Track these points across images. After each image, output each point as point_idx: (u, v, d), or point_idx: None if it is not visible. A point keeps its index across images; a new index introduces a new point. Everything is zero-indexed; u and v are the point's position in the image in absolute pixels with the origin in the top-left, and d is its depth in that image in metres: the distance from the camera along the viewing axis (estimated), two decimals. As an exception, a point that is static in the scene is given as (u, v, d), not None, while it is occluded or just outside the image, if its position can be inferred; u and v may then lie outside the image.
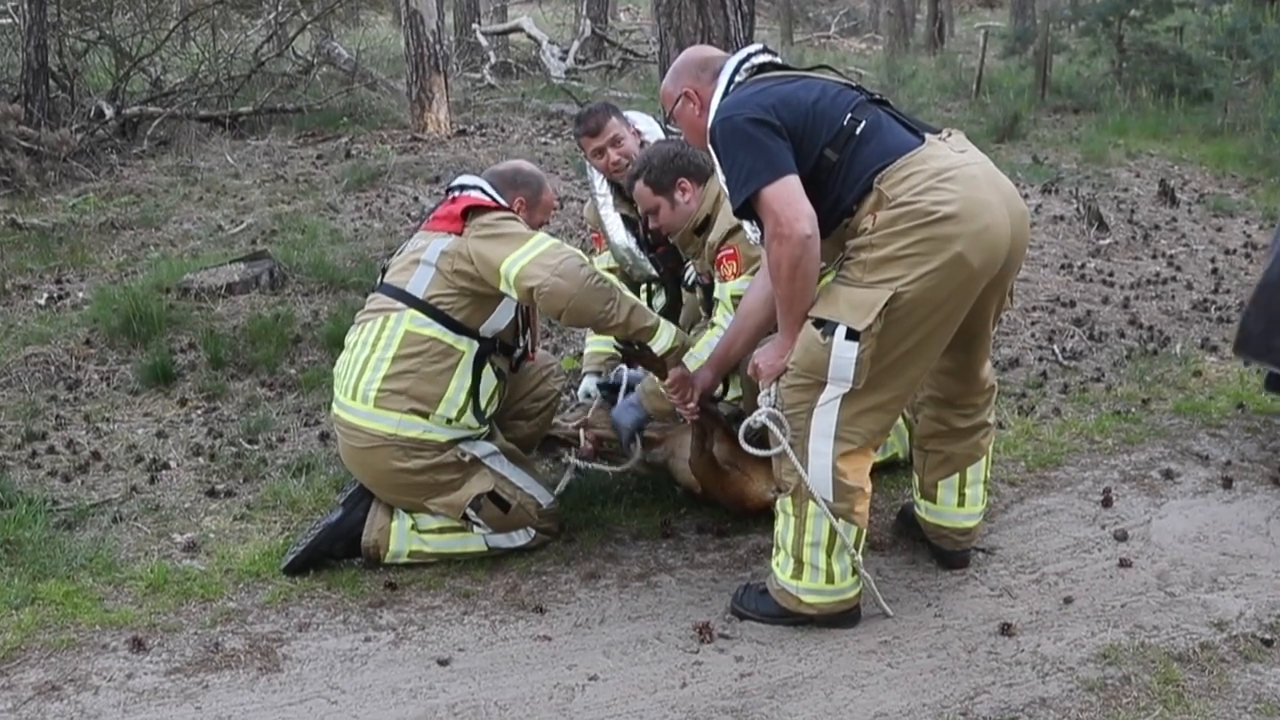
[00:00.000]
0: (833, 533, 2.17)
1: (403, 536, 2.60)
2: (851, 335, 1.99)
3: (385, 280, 2.61)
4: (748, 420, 2.19)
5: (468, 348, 2.52)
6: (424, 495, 2.53)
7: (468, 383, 2.51)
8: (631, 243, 3.10)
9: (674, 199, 2.71)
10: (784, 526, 2.23)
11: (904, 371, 2.06)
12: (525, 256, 2.39)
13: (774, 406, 2.13)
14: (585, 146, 2.98)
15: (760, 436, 2.18)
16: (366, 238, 5.12)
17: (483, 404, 2.57)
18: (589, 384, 3.17)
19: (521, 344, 2.72)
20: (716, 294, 2.73)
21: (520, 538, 2.65)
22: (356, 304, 3.87)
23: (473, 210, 2.51)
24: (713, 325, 2.70)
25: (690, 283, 2.98)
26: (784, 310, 2.09)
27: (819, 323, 2.05)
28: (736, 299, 2.53)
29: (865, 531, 2.24)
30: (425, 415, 2.48)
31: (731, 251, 2.62)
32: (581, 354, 3.45)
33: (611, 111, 2.98)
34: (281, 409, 3.56)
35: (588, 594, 2.52)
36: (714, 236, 2.71)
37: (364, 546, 2.60)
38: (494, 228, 2.47)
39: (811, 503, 2.15)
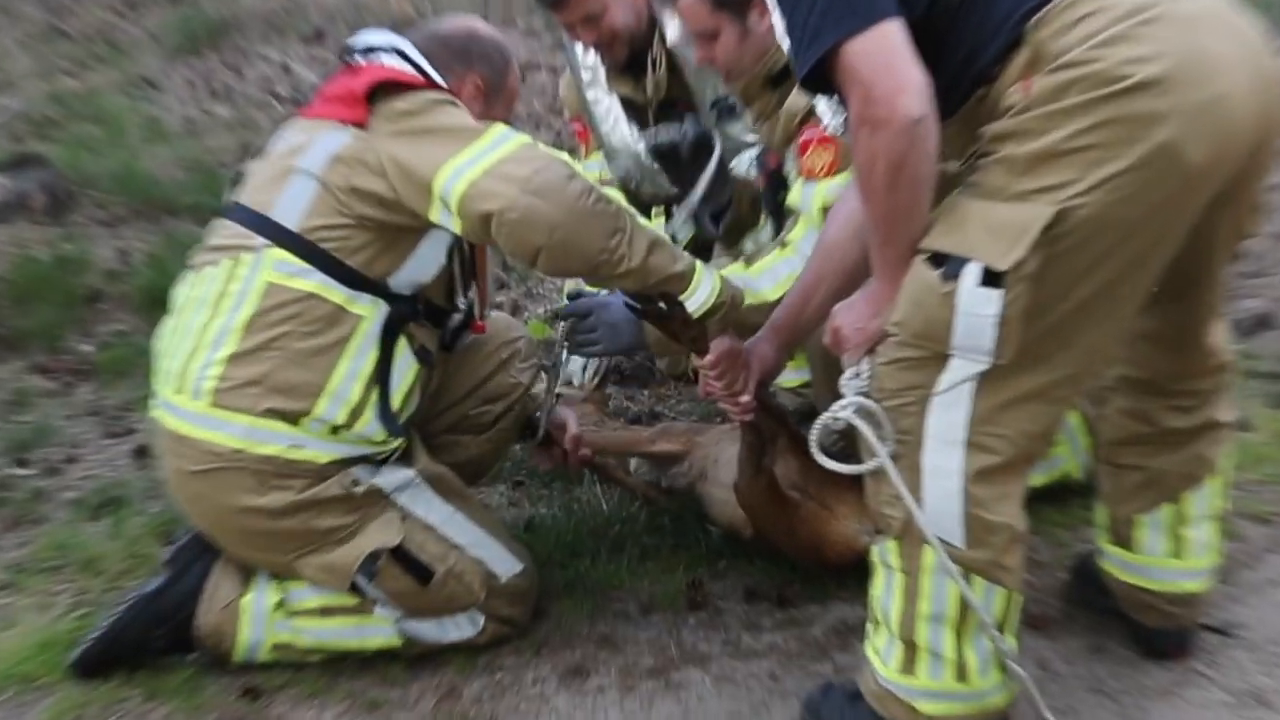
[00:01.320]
0: (964, 601, 2.14)
1: (262, 620, 2.56)
2: (990, 279, 1.96)
3: (238, 201, 2.55)
4: (823, 418, 2.17)
5: (369, 312, 2.46)
6: (292, 551, 2.48)
7: (367, 367, 2.46)
8: (638, 145, 3.18)
9: (745, 19, 2.62)
10: (885, 590, 2.21)
11: (1078, 337, 2.02)
12: (477, 163, 2.33)
13: (866, 395, 2.15)
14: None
15: (845, 444, 2.23)
16: (206, 132, 5.02)
17: (393, 402, 2.51)
18: (577, 360, 3.40)
19: (461, 307, 2.70)
20: (793, 198, 2.74)
21: (460, 628, 2.62)
22: (192, 239, 3.84)
23: (384, 89, 2.43)
24: (783, 247, 2.70)
25: (752, 173, 3.07)
26: (880, 239, 2.08)
27: (937, 259, 2.00)
28: (829, 212, 2.55)
29: (1019, 598, 2.20)
30: (294, 420, 2.41)
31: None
32: (558, 315, 3.62)
33: None
34: (70, 410, 3.55)
35: (570, 703, 2.50)
36: (799, 98, 2.67)
37: (199, 634, 2.56)
38: (421, 117, 2.39)
39: (928, 551, 2.13)
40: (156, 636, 2.56)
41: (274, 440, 2.41)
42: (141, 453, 3.38)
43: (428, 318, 2.60)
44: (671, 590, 2.83)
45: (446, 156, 2.33)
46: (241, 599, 2.56)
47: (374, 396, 2.48)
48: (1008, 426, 2.05)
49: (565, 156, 2.42)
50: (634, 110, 3.20)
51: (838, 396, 2.20)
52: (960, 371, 2.03)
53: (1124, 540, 2.51)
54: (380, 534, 2.49)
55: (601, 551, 2.95)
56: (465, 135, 2.36)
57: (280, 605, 2.56)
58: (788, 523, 2.72)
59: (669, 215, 3.31)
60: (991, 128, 2.01)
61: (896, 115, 1.90)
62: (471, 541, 2.58)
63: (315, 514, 2.45)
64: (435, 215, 2.36)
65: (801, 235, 2.70)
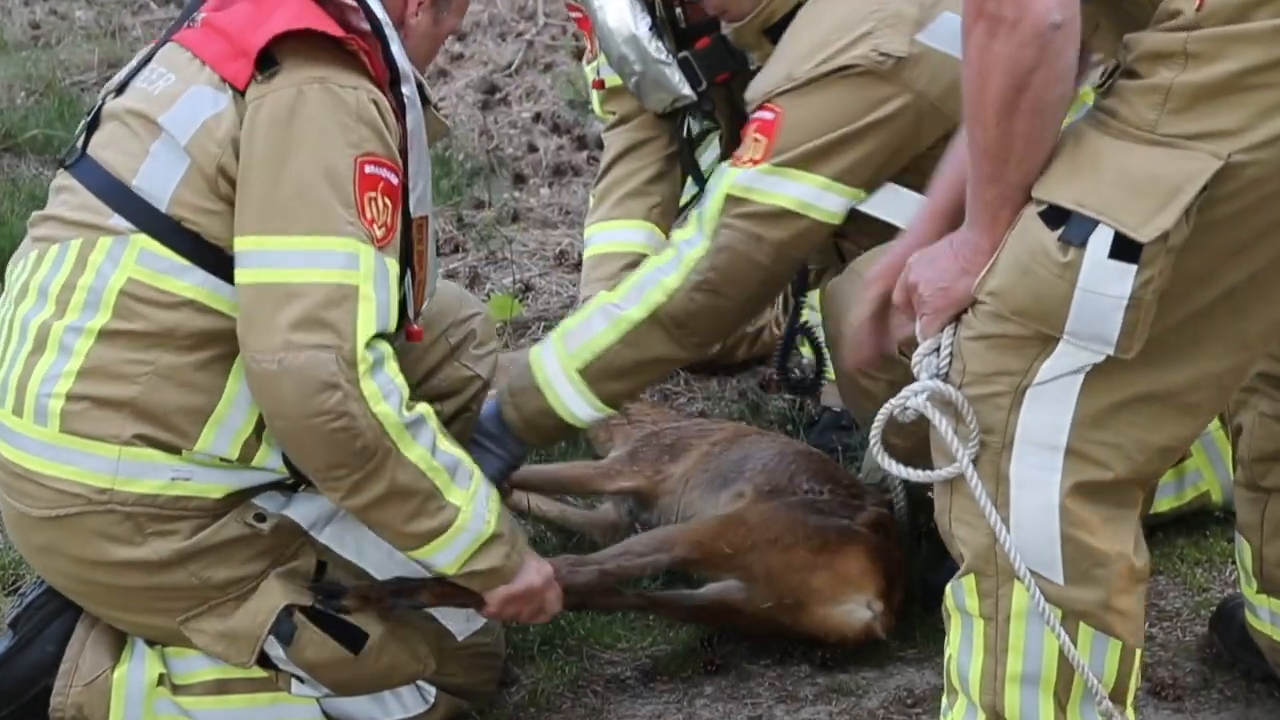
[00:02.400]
0: (1064, 658, 2.12)
1: (138, 696, 2.56)
2: (1124, 248, 1.96)
3: (89, 153, 2.55)
4: (888, 406, 2.18)
5: None
6: (180, 613, 2.48)
7: None
8: (640, 25, 3.19)
9: None
10: (962, 644, 2.19)
11: (1224, 329, 2.04)
12: (281, 267, 2.40)
13: (941, 376, 2.13)
14: None
15: (914, 443, 2.22)
16: (58, 41, 5.02)
17: None
18: None
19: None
20: (708, 185, 2.90)
21: (404, 706, 2.63)
22: (39, 187, 3.82)
23: (283, 43, 2.42)
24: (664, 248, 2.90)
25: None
26: (983, 175, 2.08)
27: (1055, 214, 2.01)
28: (737, 203, 2.72)
29: (1138, 656, 2.18)
30: (176, 450, 2.41)
31: (773, 116, 2.77)
32: (527, 287, 3.38)
33: None
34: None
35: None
36: (773, 72, 2.82)
37: (58, 717, 2.56)
38: (296, 147, 2.40)
39: (1019, 589, 2.11)
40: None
41: (150, 474, 2.42)
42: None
43: None
44: (681, 649, 2.83)
45: (264, 226, 2.38)
46: (114, 672, 2.56)
47: None
48: (1121, 434, 2.05)
49: (386, 317, 2.43)
50: None
51: (892, 383, 2.21)
52: (1068, 360, 2.03)
53: (1275, 587, 2.51)
54: (296, 585, 2.49)
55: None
56: (313, 219, 2.39)
57: (162, 680, 2.56)
58: (772, 629, 2.83)
59: (690, 134, 3.41)
60: (1144, 39, 1.99)
61: (1029, 14, 1.90)
62: None
63: (209, 563, 2.46)
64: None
65: (686, 236, 2.78)
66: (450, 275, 4.31)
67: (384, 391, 2.39)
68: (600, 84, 3.57)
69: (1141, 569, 2.13)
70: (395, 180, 2.46)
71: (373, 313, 2.41)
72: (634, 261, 3.38)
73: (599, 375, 2.78)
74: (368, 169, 2.43)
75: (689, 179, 3.64)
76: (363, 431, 2.37)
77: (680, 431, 3.16)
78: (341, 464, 2.39)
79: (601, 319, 2.76)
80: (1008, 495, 2.09)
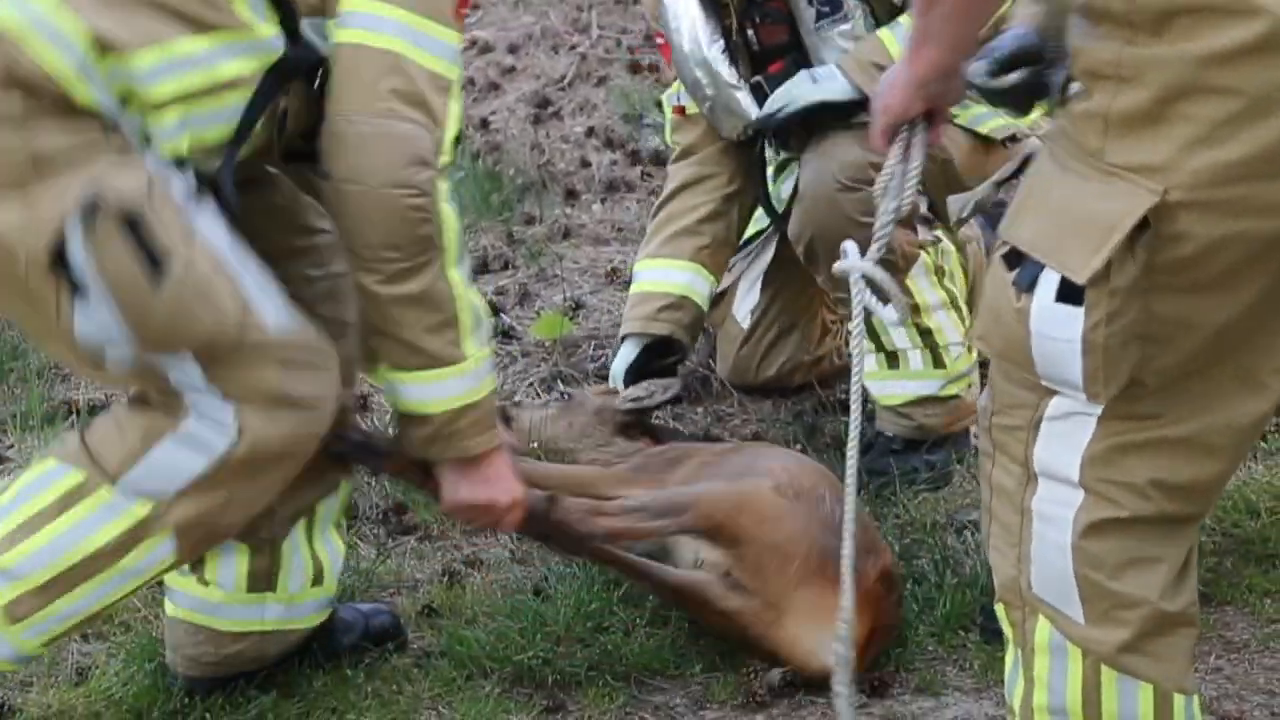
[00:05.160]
0: (1088, 696, 2.10)
1: None
2: (1070, 291, 1.97)
3: None
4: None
5: None
6: None
7: None
8: (713, 48, 3.26)
9: None
10: (1010, 666, 2.20)
11: (1228, 372, 2.01)
12: (386, 34, 2.43)
13: (896, 209, 2.35)
14: None
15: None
16: None
17: None
18: (624, 357, 3.52)
19: None
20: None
21: (198, 437, 2.41)
22: None
23: None
24: None
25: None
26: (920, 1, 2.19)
27: (1014, 256, 2.05)
28: None
29: (1179, 700, 2.12)
30: None
31: None
32: (577, 304, 3.37)
33: None
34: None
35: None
36: None
37: None
38: None
39: (1042, 623, 2.13)
40: None
41: None
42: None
43: None
44: (733, 677, 2.82)
45: None
46: None
47: None
48: (1133, 473, 2.04)
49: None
50: (717, 7, 3.32)
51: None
52: (1071, 400, 2.04)
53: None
54: (120, 176, 2.30)
55: (638, 624, 2.93)
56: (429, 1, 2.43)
57: None
58: (739, 633, 2.83)
59: (760, 155, 3.45)
60: (1083, 52, 1.96)
61: None
62: (242, 272, 2.42)
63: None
64: None
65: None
66: (500, 292, 4.35)
67: (449, 196, 2.45)
68: (681, 110, 3.60)
69: (1177, 613, 2.09)
70: None
71: (458, 113, 2.47)
72: (673, 303, 3.49)
73: None
74: None
75: (758, 210, 3.67)
76: (431, 218, 2.41)
77: (688, 448, 3.19)
78: (398, 245, 2.41)
79: None
80: (1030, 529, 2.10)
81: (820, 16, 3.29)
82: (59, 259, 2.28)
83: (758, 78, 3.33)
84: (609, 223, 4.85)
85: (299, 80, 2.51)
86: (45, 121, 2.29)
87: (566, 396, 3.49)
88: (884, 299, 2.33)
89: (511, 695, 2.75)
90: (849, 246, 2.33)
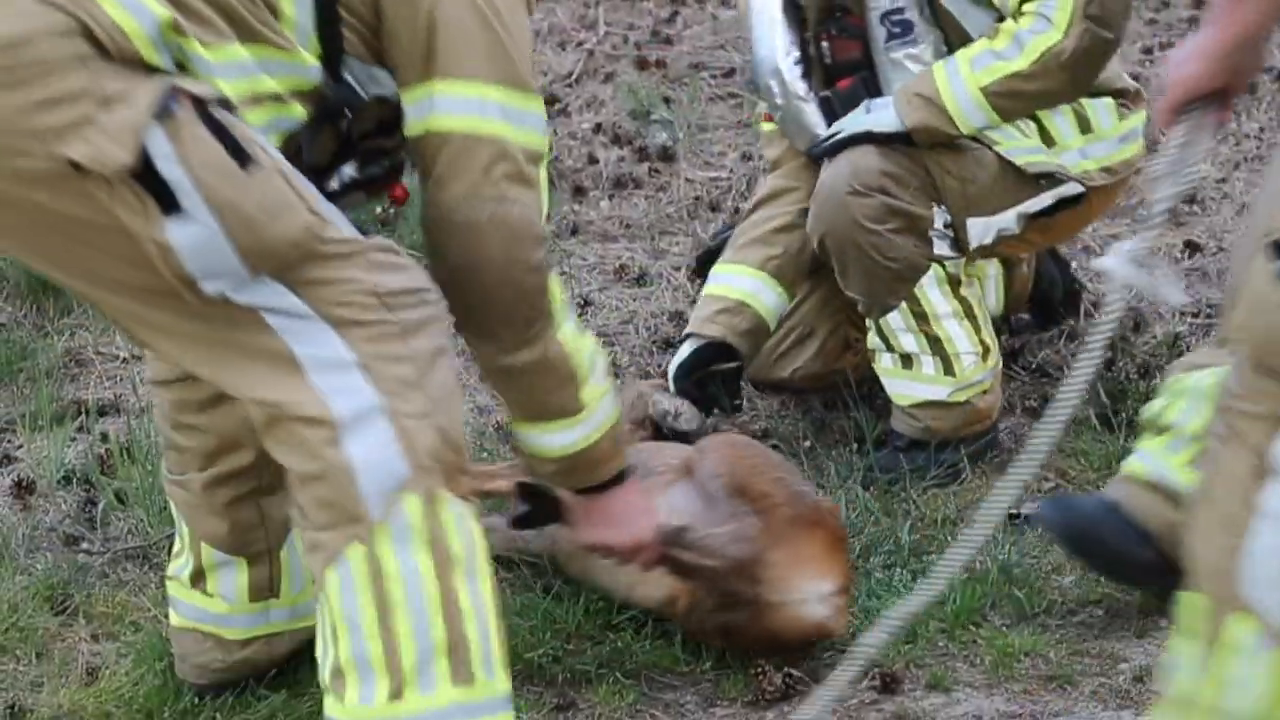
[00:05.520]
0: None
1: None
2: None
3: None
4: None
5: None
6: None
7: None
8: (787, 58, 3.31)
9: None
10: (1188, 656, 2.13)
11: None
12: (485, 117, 2.45)
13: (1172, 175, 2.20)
14: None
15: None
16: None
17: None
18: (679, 355, 3.52)
19: None
20: None
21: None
22: None
23: None
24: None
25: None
26: None
27: (1275, 250, 1.97)
28: None
29: None
30: None
31: None
32: (586, 302, 3.29)
33: None
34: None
35: None
36: None
37: None
38: None
39: (1238, 621, 2.05)
40: None
41: None
42: (24, 488, 3.43)
43: None
44: (742, 675, 2.81)
45: (473, 71, 2.40)
46: None
47: None
48: None
49: None
50: (797, 12, 3.33)
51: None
52: None
53: None
54: (188, 83, 2.25)
55: (648, 620, 2.92)
56: (519, 72, 2.44)
57: None
58: (738, 639, 2.84)
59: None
60: None
61: None
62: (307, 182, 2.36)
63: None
64: None
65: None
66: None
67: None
68: (770, 117, 3.61)
69: None
70: None
71: (546, 180, 2.50)
72: (730, 308, 3.50)
73: None
74: None
75: None
76: (547, 288, 2.46)
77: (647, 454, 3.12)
78: (514, 322, 2.46)
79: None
80: (1248, 524, 2.03)
81: (891, 37, 3.29)
82: (143, 170, 2.19)
83: (826, 93, 3.34)
84: (617, 219, 4.83)
85: (329, 121, 2.50)
86: (117, 67, 2.22)
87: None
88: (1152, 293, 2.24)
89: (521, 693, 2.72)
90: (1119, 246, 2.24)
